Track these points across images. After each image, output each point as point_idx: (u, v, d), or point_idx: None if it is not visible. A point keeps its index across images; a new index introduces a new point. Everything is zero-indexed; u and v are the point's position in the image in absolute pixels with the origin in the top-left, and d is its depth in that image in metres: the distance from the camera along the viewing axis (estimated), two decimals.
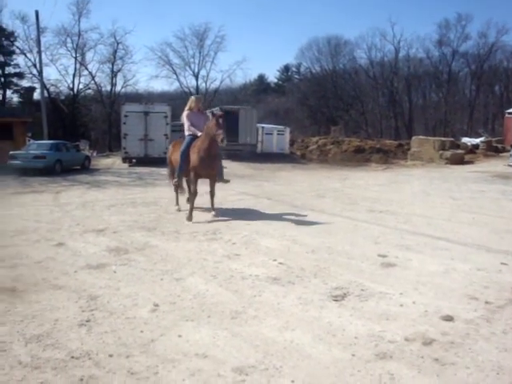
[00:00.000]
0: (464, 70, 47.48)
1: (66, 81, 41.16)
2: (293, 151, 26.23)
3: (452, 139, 25.43)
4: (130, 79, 43.30)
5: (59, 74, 42.76)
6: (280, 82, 62.15)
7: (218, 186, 7.82)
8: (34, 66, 37.31)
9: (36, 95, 39.72)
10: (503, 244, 5.62)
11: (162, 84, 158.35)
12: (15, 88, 41.53)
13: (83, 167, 18.85)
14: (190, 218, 7.10)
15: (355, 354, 2.84)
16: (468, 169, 18.98)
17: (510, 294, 3.88)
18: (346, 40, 49.49)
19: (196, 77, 46.00)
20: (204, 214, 7.59)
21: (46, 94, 32.55)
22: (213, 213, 7.50)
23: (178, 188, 8.13)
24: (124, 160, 20.98)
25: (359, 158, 24.65)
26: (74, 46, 40.12)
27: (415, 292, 3.92)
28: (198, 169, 7.24)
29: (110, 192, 11.48)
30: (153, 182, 13.76)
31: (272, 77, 67.32)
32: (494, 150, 24.94)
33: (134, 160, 20.74)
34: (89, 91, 43.50)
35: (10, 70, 40.16)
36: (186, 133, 7.64)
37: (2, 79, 39.89)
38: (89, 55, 42.34)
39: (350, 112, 47.87)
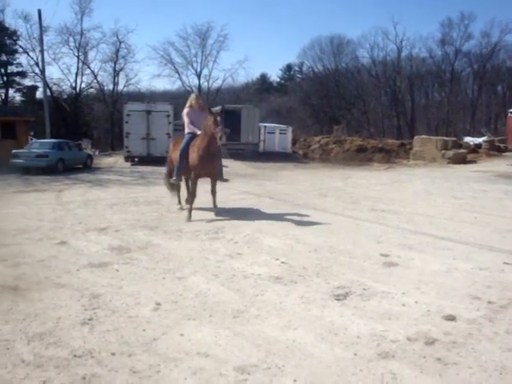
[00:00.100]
0: (467, 69, 47.37)
1: (68, 80, 41.33)
2: (295, 150, 26.24)
3: (454, 139, 25.37)
4: (133, 78, 43.48)
5: (62, 72, 43.28)
6: (282, 81, 62.08)
7: (220, 185, 7.82)
8: (37, 64, 37.41)
9: (38, 94, 39.96)
10: (505, 243, 5.61)
11: (164, 83, 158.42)
12: (18, 87, 41.69)
13: (85, 166, 18.88)
14: (189, 218, 7.08)
15: (357, 353, 2.84)
16: (470, 168, 18.94)
17: None
18: (349, 39, 49.45)
19: (198, 76, 46.10)
20: (206, 213, 7.59)
21: (48, 92, 32.56)
22: (215, 211, 7.50)
23: (171, 186, 8.18)
24: (126, 159, 21.03)
25: (361, 157, 24.65)
26: (77, 44, 40.28)
27: (417, 291, 3.92)
28: (198, 168, 7.19)
29: (113, 191, 11.49)
30: (155, 181, 13.73)
31: (274, 76, 67.40)
32: (496, 150, 24.88)
33: (136, 159, 20.79)
34: (91, 90, 43.66)
35: (12, 68, 40.35)
36: (186, 131, 7.61)
37: (5, 78, 40.00)
38: (91, 54, 42.57)
39: (352, 111, 47.79)
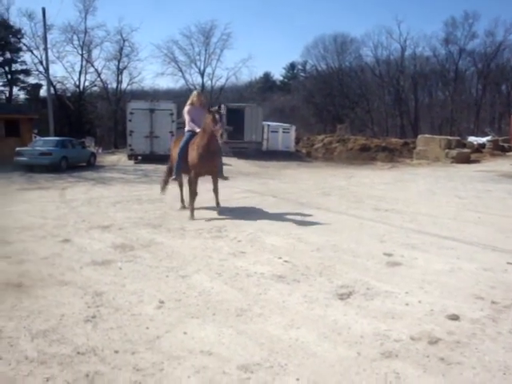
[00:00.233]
0: (471, 68, 47.18)
1: (72, 78, 41.54)
2: (298, 149, 26.21)
3: (458, 138, 25.24)
4: (136, 76, 43.61)
5: (65, 71, 43.17)
6: (286, 80, 61.98)
7: (222, 183, 7.81)
8: (41, 63, 37.59)
9: (42, 92, 40.04)
10: (509, 243, 5.58)
11: (168, 81, 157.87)
12: (22, 85, 41.86)
13: (89, 164, 18.92)
14: (192, 216, 7.08)
15: (360, 352, 2.83)
16: (474, 168, 18.86)
17: None
18: (352, 38, 49.32)
19: (202, 74, 46.18)
20: (209, 212, 7.60)
21: (52, 91, 32.68)
22: (218, 210, 7.49)
23: (165, 184, 8.27)
24: (129, 157, 21.05)
25: (365, 156, 24.60)
26: (81, 43, 40.46)
27: (421, 291, 3.90)
28: (198, 166, 7.14)
29: (116, 189, 11.52)
30: (158, 179, 13.75)
31: (278, 75, 67.46)
32: (500, 150, 24.74)
33: (139, 157, 20.81)
34: (95, 88, 43.83)
35: (16, 66, 40.53)
36: (186, 128, 7.57)
37: (9, 76, 40.16)
38: (95, 52, 42.79)
39: (355, 110, 47.69)
